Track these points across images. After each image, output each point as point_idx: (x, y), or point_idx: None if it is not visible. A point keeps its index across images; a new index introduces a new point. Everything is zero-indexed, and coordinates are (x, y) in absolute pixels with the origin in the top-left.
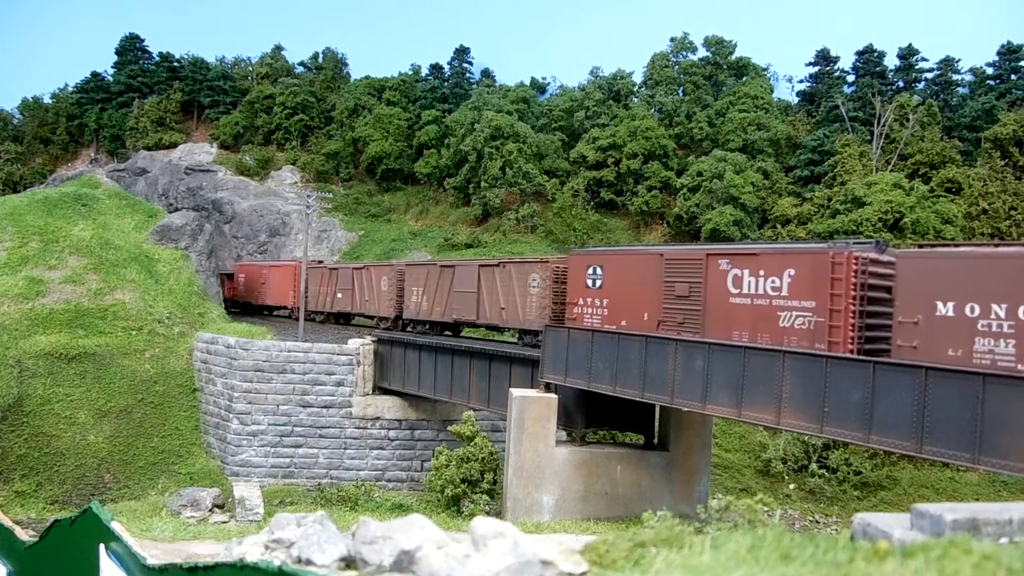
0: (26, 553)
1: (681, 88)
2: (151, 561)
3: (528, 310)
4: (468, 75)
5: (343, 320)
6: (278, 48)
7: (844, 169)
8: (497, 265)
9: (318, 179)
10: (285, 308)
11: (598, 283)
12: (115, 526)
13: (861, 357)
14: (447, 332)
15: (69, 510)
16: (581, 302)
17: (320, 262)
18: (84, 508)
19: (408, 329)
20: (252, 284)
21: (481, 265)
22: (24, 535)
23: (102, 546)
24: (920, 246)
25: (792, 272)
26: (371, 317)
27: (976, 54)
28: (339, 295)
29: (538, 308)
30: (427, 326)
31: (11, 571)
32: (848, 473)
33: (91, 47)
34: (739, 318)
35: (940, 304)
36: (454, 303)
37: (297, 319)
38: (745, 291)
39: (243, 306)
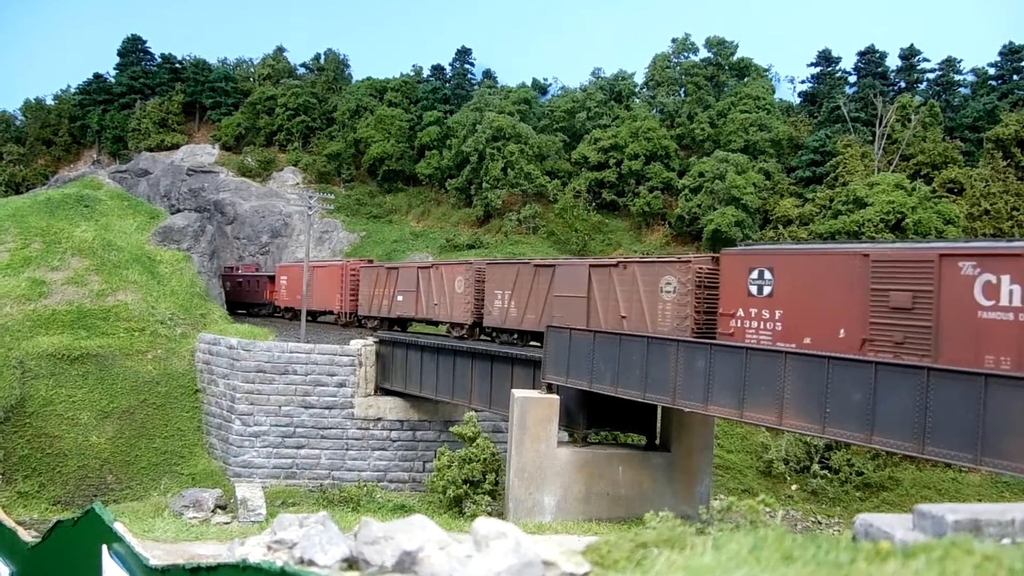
0: (29, 554)
1: (683, 89)
2: (153, 562)
3: (661, 320)
4: (469, 76)
5: (399, 327)
6: (280, 49)
7: (846, 170)
8: (615, 265)
9: (320, 180)
10: (331, 313)
11: (766, 290)
12: (117, 527)
13: (863, 357)
14: (534, 343)
15: (71, 511)
16: (741, 313)
17: (371, 261)
18: (86, 509)
19: (486, 337)
20: (295, 286)
21: (593, 265)
22: (27, 536)
23: (104, 547)
24: None
25: None
26: (437, 323)
27: (978, 54)
28: (399, 298)
29: (675, 318)
30: (515, 336)
31: (14, 571)
32: (850, 474)
33: (93, 48)
34: (996, 339)
35: None
36: (555, 309)
37: (344, 325)
38: (1005, 303)
39: (285, 311)
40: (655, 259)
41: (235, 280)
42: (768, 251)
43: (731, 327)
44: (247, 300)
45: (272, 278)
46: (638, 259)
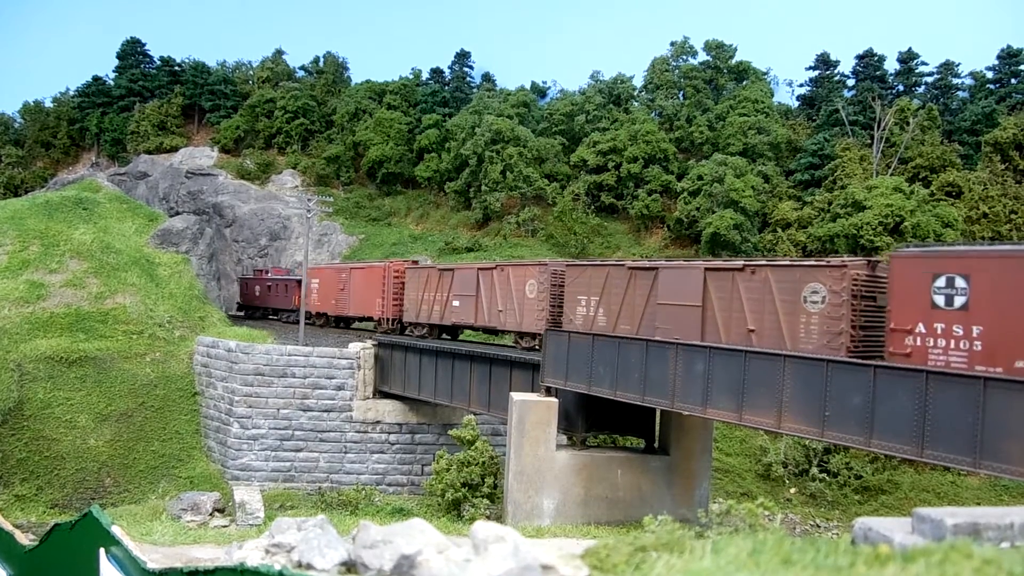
0: (26, 557)
1: (681, 92)
2: (151, 565)
3: (805, 336)
4: (469, 79)
5: (449, 335)
6: (279, 52)
7: (844, 173)
8: (741, 269)
9: (319, 183)
10: (370, 319)
11: (958, 300)
12: (115, 530)
13: (861, 361)
14: None
15: (69, 514)
16: (922, 329)
17: (415, 261)
18: (84, 512)
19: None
20: (329, 290)
21: (710, 269)
22: (24, 539)
23: (102, 550)
24: None
25: None
26: (500, 332)
27: (976, 58)
28: (455, 303)
29: (824, 333)
30: None
31: (12, 575)
32: (849, 477)
33: (92, 51)
34: None
35: None
36: (658, 319)
37: (385, 333)
38: None
39: (316, 317)
40: (795, 262)
41: (264, 284)
42: (960, 253)
43: (907, 346)
44: (275, 305)
45: (300, 282)
46: (771, 261)
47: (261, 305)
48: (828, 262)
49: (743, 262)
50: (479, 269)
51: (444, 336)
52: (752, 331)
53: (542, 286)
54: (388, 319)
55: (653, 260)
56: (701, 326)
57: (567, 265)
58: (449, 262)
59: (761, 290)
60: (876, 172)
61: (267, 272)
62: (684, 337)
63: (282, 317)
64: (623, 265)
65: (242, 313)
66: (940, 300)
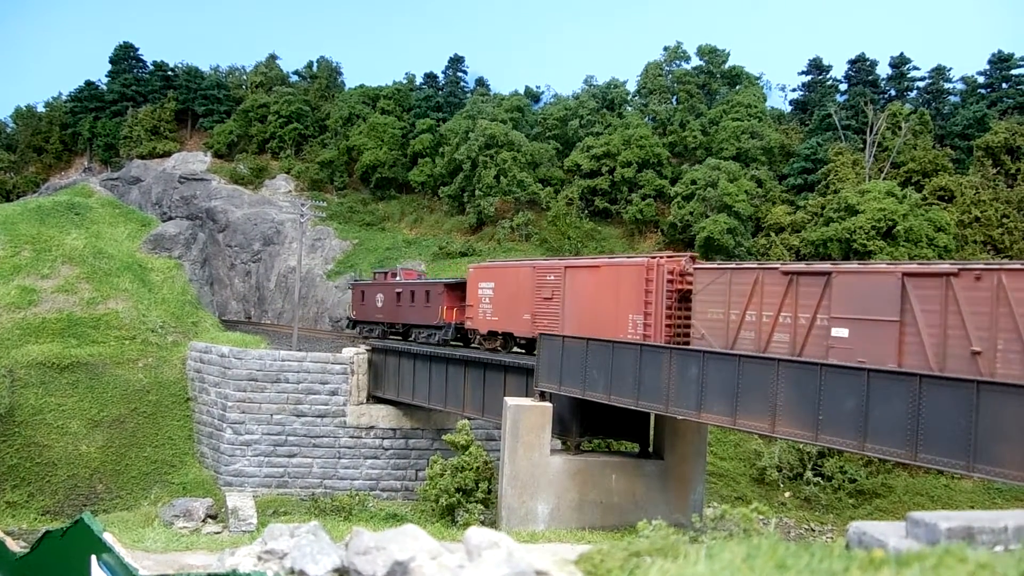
0: (17, 564)
1: (675, 97)
2: (143, 572)
3: None
4: (462, 84)
5: None
6: (272, 57)
7: (837, 177)
8: None
9: (312, 188)
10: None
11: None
12: (107, 537)
13: (854, 365)
14: None
15: (61, 521)
16: None
17: (693, 258)
18: (76, 519)
19: None
20: (517, 301)
21: None
22: (15, 546)
23: (94, 557)
24: None
25: None
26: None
27: (967, 63)
28: (838, 332)
29: None
30: None
31: None
32: (843, 481)
33: (85, 56)
34: None
35: None
36: None
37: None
38: None
39: (485, 339)
40: None
41: (391, 292)
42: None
43: None
44: (408, 320)
45: (455, 286)
46: None
47: (387, 320)
48: None
49: None
50: (906, 275)
51: None
52: None
53: None
54: (651, 339)
55: None
56: None
57: None
58: (812, 262)
59: None
60: (869, 176)
61: (394, 275)
62: None
63: (418, 337)
64: None
65: (355, 330)
66: None
